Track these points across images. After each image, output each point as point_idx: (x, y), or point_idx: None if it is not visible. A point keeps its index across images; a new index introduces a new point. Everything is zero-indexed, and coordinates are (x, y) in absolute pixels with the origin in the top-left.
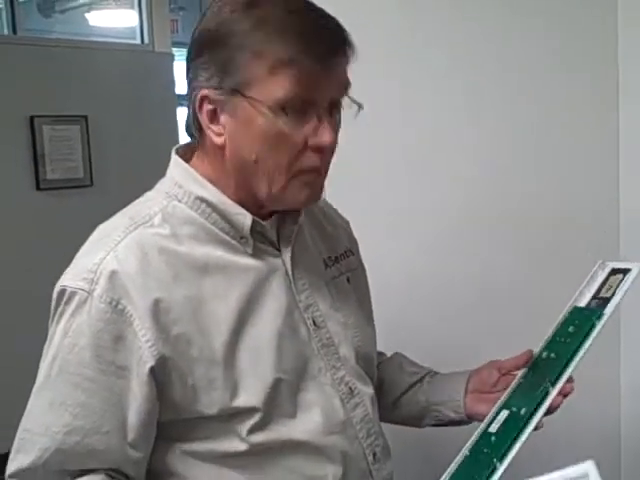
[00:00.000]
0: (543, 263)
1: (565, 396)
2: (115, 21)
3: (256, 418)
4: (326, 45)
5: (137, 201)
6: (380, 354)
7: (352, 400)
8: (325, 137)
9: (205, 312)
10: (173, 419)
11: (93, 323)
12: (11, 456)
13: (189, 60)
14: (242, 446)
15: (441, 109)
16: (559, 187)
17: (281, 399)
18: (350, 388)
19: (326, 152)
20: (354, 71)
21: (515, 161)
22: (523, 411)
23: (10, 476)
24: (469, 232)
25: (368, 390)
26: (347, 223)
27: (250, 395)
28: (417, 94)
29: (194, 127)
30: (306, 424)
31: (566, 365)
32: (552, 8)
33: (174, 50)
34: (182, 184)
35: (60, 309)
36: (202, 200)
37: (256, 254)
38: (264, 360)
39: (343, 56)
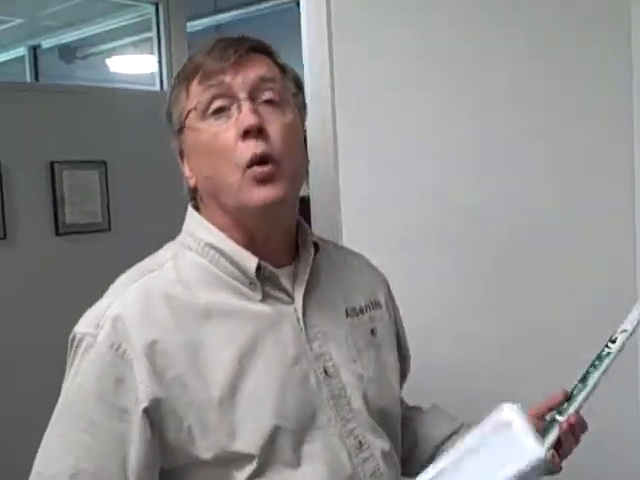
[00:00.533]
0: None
1: (571, 427)
2: (135, 67)
3: (253, 465)
4: (226, 47)
5: (155, 253)
6: (414, 408)
7: (361, 455)
8: (245, 120)
9: (204, 356)
10: (172, 467)
11: (97, 367)
12: None
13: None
14: None
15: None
16: (572, 194)
17: (281, 448)
18: (360, 442)
19: (253, 136)
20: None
21: (523, 169)
22: None
23: None
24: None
25: (381, 444)
26: (381, 276)
27: (247, 442)
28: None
29: (187, 188)
30: (308, 477)
31: (576, 394)
32: (562, 8)
33: None
34: (193, 232)
35: (72, 354)
36: (211, 246)
37: (266, 300)
38: (264, 407)
39: (247, 50)
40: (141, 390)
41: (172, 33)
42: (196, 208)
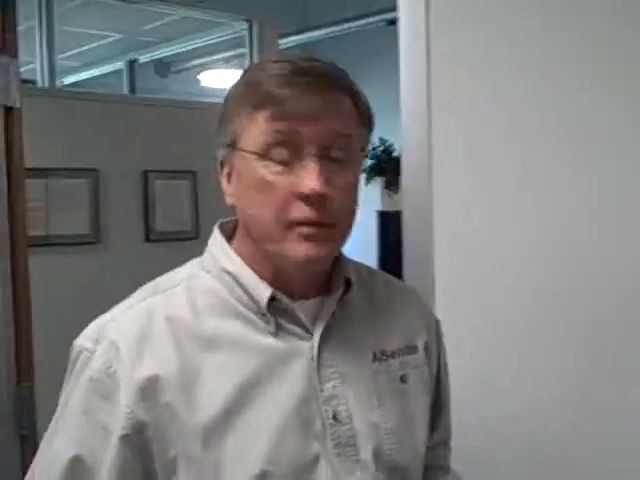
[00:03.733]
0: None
1: None
2: (225, 82)
3: None
4: (307, 85)
5: (175, 269)
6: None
7: None
8: (306, 182)
9: (200, 386)
10: None
11: (88, 383)
12: None
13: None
14: None
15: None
16: None
17: None
18: None
19: (313, 201)
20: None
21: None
22: None
23: None
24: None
25: None
26: (430, 317)
27: None
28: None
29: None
30: None
31: None
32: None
33: None
34: (214, 254)
35: (70, 366)
36: (226, 272)
37: (280, 334)
38: (255, 448)
39: (331, 98)
40: (124, 416)
41: (264, 50)
42: (229, 231)
